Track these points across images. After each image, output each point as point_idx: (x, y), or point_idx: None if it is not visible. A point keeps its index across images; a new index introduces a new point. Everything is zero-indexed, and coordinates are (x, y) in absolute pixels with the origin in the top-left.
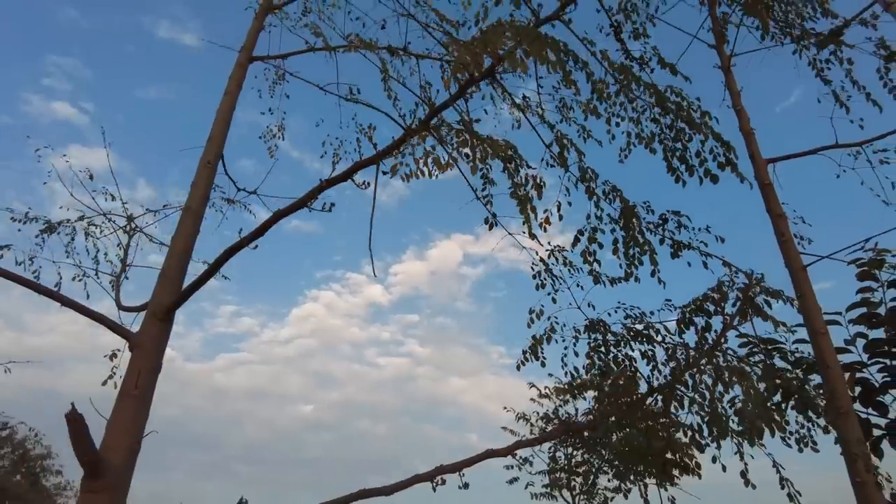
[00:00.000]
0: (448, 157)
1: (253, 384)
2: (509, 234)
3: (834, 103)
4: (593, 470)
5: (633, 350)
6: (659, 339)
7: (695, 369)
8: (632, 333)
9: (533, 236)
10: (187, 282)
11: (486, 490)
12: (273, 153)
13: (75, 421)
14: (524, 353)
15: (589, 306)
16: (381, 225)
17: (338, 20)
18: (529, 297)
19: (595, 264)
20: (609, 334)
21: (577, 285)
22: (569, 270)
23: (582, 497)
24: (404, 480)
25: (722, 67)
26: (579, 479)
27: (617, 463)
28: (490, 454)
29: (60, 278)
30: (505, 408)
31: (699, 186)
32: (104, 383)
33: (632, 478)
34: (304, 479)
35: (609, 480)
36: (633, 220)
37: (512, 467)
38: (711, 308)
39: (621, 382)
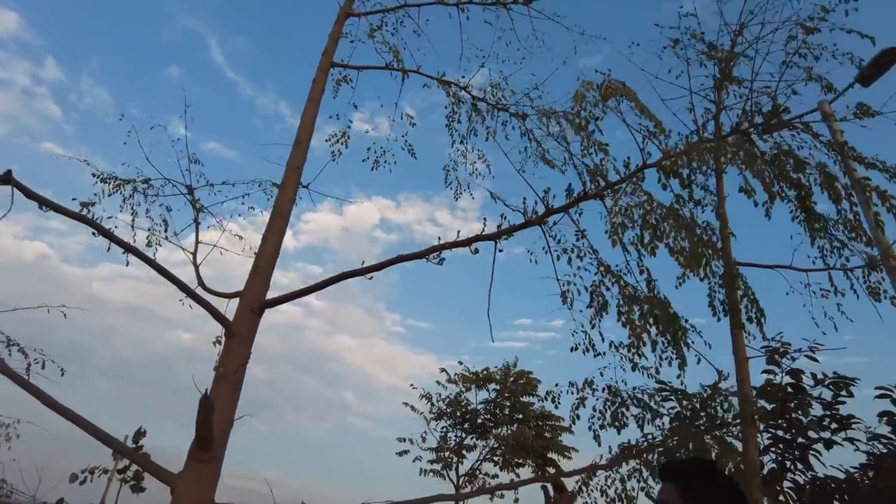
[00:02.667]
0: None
1: (134, 300)
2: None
3: (802, 240)
4: (480, 456)
5: (628, 410)
6: (663, 410)
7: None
8: (634, 400)
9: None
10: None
11: (373, 459)
12: (337, 158)
13: (207, 405)
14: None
15: (622, 381)
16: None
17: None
18: (437, 274)
19: (636, 356)
20: (619, 398)
21: (632, 368)
22: (619, 354)
23: (465, 479)
24: (476, 490)
25: (715, 171)
26: (465, 462)
27: (503, 451)
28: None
29: (135, 241)
30: (412, 385)
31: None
32: (215, 369)
33: (512, 468)
34: (169, 407)
35: (494, 466)
36: (680, 333)
37: (404, 440)
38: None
39: (521, 382)
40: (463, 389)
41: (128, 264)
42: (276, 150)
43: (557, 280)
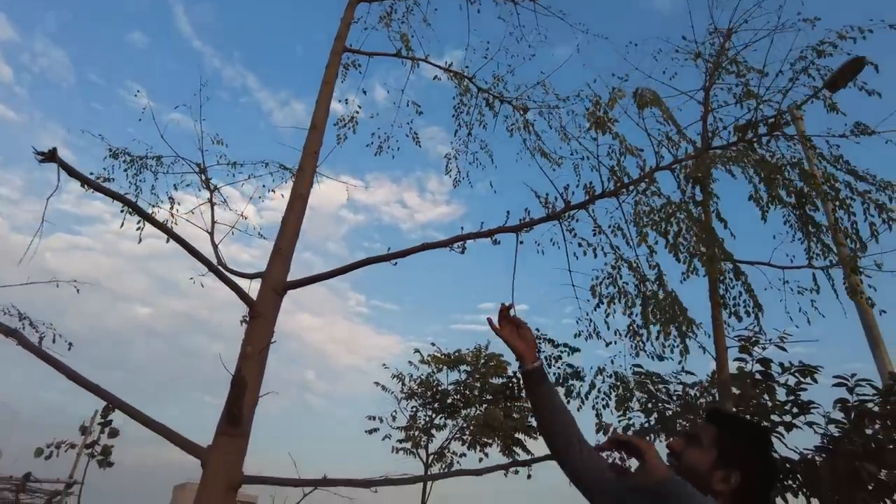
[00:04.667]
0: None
1: (88, 273)
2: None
3: (783, 240)
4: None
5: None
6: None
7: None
8: (638, 387)
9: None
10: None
11: (332, 438)
12: (341, 141)
13: (241, 383)
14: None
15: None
16: (268, 143)
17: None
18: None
19: (640, 343)
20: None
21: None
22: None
23: (434, 457)
24: (492, 466)
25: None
26: (433, 440)
27: (472, 431)
28: None
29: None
30: (384, 365)
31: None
32: (243, 350)
33: (480, 447)
34: (124, 384)
35: (462, 445)
36: (689, 326)
37: (374, 418)
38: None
39: (492, 364)
40: (434, 370)
41: (140, 241)
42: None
43: (570, 272)
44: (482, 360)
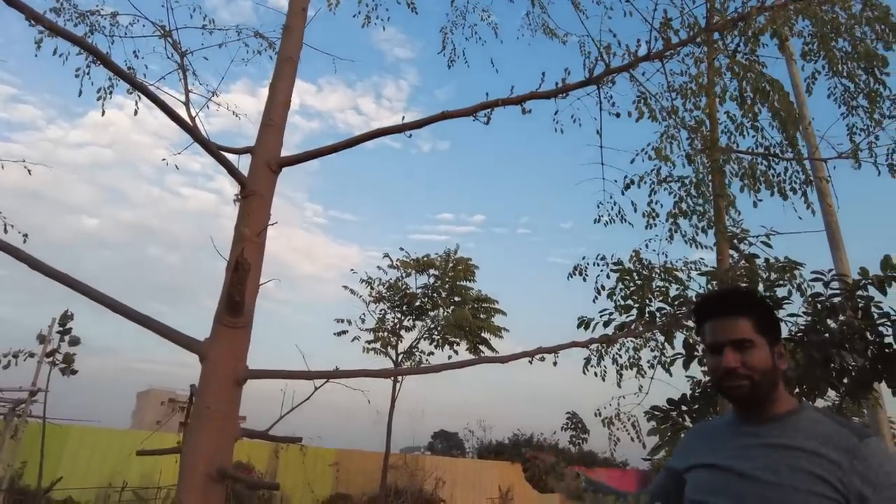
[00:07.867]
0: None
1: (25, 183)
2: None
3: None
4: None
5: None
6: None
7: None
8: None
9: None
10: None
11: (294, 341)
12: (333, 7)
13: (244, 266)
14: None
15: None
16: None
17: None
18: (361, 166)
19: (674, 225)
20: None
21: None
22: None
23: (403, 356)
24: (518, 353)
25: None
26: (403, 341)
27: (441, 331)
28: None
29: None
30: (352, 269)
31: None
32: (239, 232)
33: (450, 345)
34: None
35: (430, 344)
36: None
37: (342, 321)
38: None
39: (460, 268)
40: (403, 274)
41: (104, 114)
42: None
43: (601, 148)
44: (451, 265)
